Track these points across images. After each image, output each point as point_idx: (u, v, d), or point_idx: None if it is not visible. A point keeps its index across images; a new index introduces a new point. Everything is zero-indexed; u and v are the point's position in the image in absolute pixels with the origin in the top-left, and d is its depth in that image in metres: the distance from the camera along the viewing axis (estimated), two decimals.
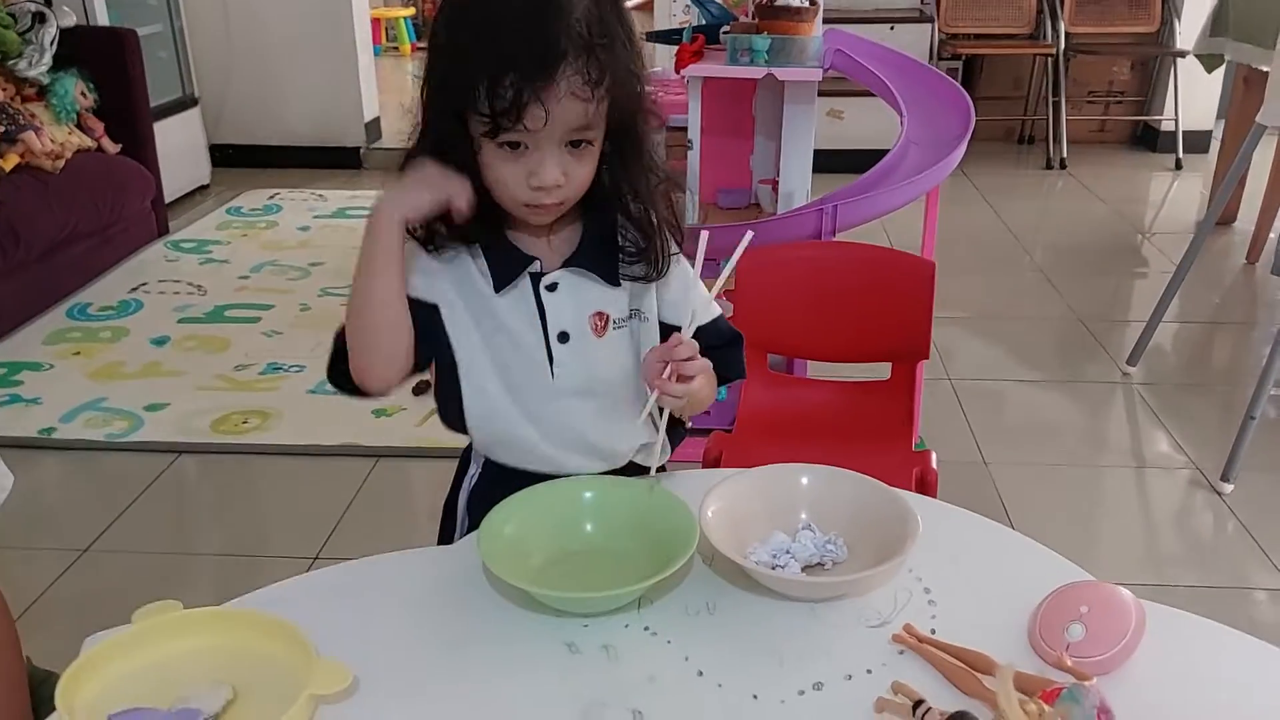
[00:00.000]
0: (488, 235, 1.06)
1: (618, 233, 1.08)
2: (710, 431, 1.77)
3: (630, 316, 1.11)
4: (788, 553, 0.98)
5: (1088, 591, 0.91)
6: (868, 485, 1.03)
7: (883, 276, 1.81)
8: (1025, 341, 3.10)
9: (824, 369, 2.08)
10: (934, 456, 1.68)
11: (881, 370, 1.85)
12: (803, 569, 0.97)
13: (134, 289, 3.37)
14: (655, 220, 1.07)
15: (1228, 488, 2.28)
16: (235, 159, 4.77)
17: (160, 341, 2.98)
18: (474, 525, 1.09)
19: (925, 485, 1.63)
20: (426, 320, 1.05)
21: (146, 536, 2.15)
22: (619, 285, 1.08)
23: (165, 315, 3.17)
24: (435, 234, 1.04)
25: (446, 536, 1.21)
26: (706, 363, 1.03)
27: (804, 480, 1.05)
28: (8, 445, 2.46)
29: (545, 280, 1.07)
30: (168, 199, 4.00)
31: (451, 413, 1.14)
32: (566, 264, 1.07)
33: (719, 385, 1.16)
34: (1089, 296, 3.39)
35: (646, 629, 0.92)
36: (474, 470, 1.18)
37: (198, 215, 4.15)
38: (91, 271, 3.42)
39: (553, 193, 0.99)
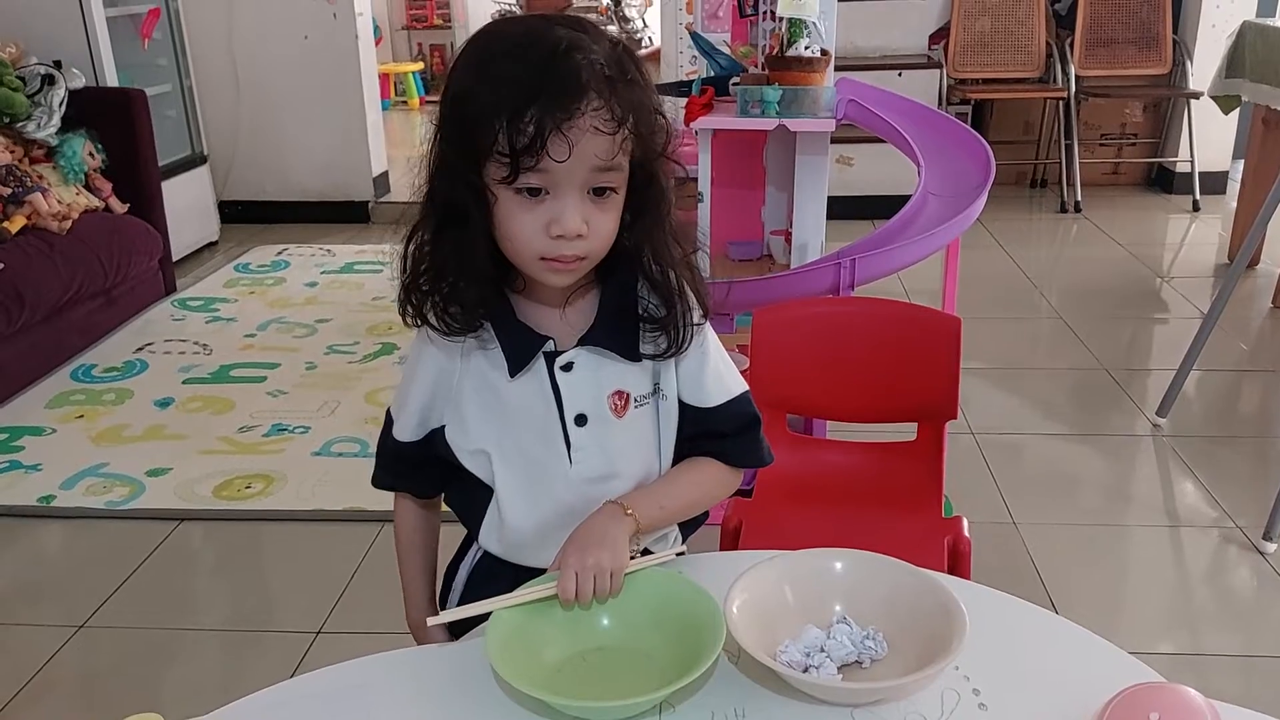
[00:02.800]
0: (500, 313, 0.99)
1: (637, 301, 1.01)
2: (730, 498, 1.70)
3: (653, 393, 1.04)
4: (822, 650, 0.90)
5: (1157, 696, 0.82)
6: (907, 573, 0.95)
7: (906, 333, 1.74)
8: (1048, 391, 3.02)
9: (844, 428, 2.00)
10: (965, 523, 1.60)
11: (905, 430, 1.77)
12: (839, 668, 0.89)
13: (139, 349, 3.32)
14: (677, 284, 1.01)
15: (1270, 547, 2.19)
16: (244, 215, 4.76)
17: (164, 403, 2.93)
18: (471, 598, 1.01)
19: (958, 555, 1.54)
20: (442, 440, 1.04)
21: (146, 610, 2.08)
22: (639, 360, 1.02)
23: (170, 376, 3.12)
24: (449, 317, 0.98)
25: (442, 600, 1.16)
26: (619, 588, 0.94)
27: (838, 566, 0.97)
28: (6, 515, 2.40)
29: (560, 360, 1.00)
30: (176, 256, 3.99)
31: (459, 504, 1.08)
32: (583, 341, 1.00)
33: (739, 467, 1.09)
34: (1110, 343, 3.31)
35: None
36: (478, 550, 1.11)
37: (206, 272, 4.12)
38: (97, 332, 3.38)
39: (575, 244, 0.92)
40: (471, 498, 1.05)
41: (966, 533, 1.58)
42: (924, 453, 1.76)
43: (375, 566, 2.19)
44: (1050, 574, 2.13)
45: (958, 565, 1.54)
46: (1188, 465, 2.56)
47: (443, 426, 1.03)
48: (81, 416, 2.86)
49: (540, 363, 1.00)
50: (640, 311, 1.01)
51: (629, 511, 0.97)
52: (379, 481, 1.11)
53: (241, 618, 2.07)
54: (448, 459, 1.04)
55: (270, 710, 0.90)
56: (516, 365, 0.99)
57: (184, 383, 3.07)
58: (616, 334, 1.01)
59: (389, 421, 1.07)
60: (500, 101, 0.87)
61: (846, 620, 0.93)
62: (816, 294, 1.97)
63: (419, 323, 0.99)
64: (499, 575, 1.04)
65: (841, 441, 1.87)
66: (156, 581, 2.17)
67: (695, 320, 1.03)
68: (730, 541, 1.61)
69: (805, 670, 0.89)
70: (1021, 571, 2.13)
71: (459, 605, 1.10)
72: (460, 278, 0.96)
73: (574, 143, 0.87)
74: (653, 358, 1.02)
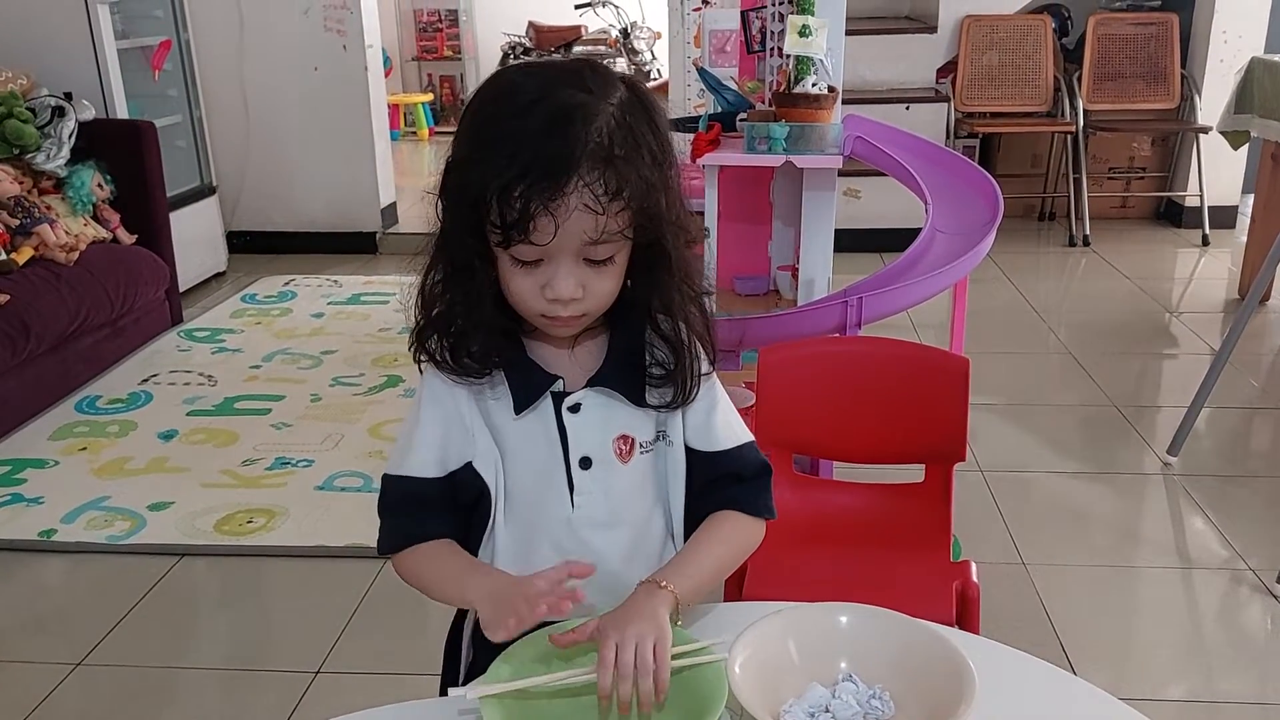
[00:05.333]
0: (509, 351, 0.98)
1: (645, 350, 1.00)
2: None
3: (657, 439, 1.03)
4: (827, 710, 0.88)
5: None
6: (915, 630, 0.93)
7: (913, 374, 1.72)
8: (1057, 428, 2.99)
9: (851, 469, 1.98)
10: (974, 568, 1.58)
11: (913, 471, 1.75)
12: None
13: (144, 380, 3.32)
14: (686, 337, 0.99)
15: None
16: (252, 245, 4.77)
17: (168, 436, 2.92)
18: (479, 665, 0.99)
19: (967, 601, 1.52)
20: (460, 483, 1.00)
21: (144, 647, 2.05)
22: (645, 405, 1.00)
23: (174, 408, 3.11)
24: (459, 357, 0.97)
25: (450, 676, 1.12)
26: (664, 675, 0.85)
27: (843, 620, 0.95)
28: (6, 549, 2.39)
29: (568, 401, 0.99)
30: (184, 286, 3.99)
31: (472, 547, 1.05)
32: (591, 383, 0.99)
33: (757, 516, 1.05)
34: (1119, 379, 3.28)
35: None
36: None
37: (213, 303, 4.13)
38: (102, 363, 3.37)
39: (569, 306, 0.92)
40: (467, 543, 1.03)
41: (975, 578, 1.55)
42: (932, 495, 1.73)
43: (376, 604, 2.16)
44: (1060, 616, 2.09)
45: (966, 611, 1.51)
46: (1199, 504, 2.52)
47: (466, 464, 0.99)
48: (85, 449, 2.85)
49: (547, 403, 0.98)
50: (647, 359, 1.00)
51: (664, 585, 0.92)
52: (390, 542, 1.01)
53: (240, 656, 2.05)
54: (465, 500, 1.01)
55: None
56: (523, 403, 0.98)
57: (188, 415, 3.06)
58: (625, 377, 0.99)
59: (390, 480, 1.01)
60: (490, 175, 0.86)
61: (852, 678, 0.91)
62: (823, 332, 1.95)
63: (432, 363, 0.98)
64: None
65: (848, 483, 1.85)
66: (156, 618, 2.15)
67: (703, 370, 1.02)
68: (734, 585, 1.58)
69: None
70: (1031, 613, 2.10)
71: (468, 661, 1.07)
72: (469, 324, 0.96)
73: (561, 221, 0.86)
74: (658, 408, 1.00)
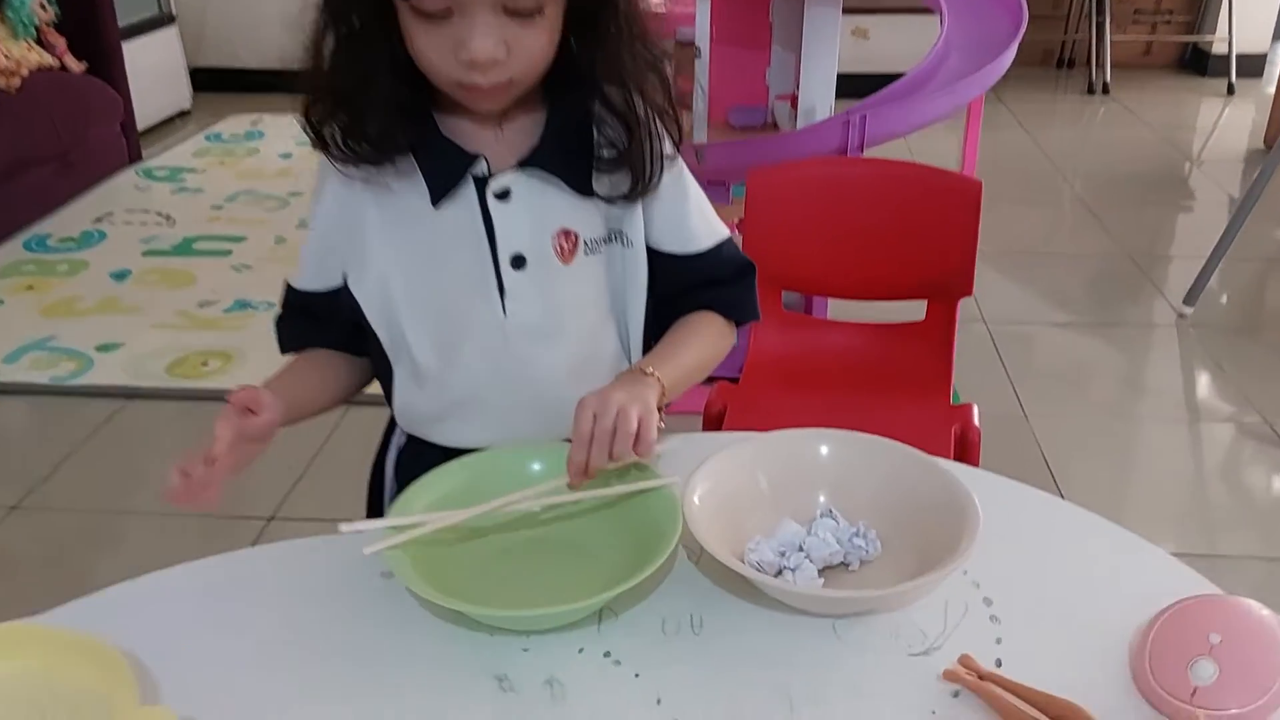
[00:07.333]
0: (419, 131, 0.80)
1: (593, 126, 0.82)
2: (713, 381, 1.52)
3: (609, 239, 0.85)
4: (801, 549, 0.73)
5: (1217, 612, 0.66)
6: (906, 457, 0.78)
7: (919, 197, 1.54)
8: (1068, 279, 2.83)
9: (847, 308, 1.81)
10: (976, 411, 1.43)
11: (913, 310, 1.59)
12: (820, 572, 0.73)
13: (98, 219, 3.12)
14: (643, 112, 0.81)
15: None
16: (219, 83, 4.48)
17: (120, 276, 2.74)
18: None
19: (967, 445, 1.38)
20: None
21: (87, 491, 1.93)
22: (591, 196, 0.83)
23: (129, 247, 2.93)
24: (354, 141, 0.78)
25: (375, 508, 0.98)
26: (650, 436, 0.72)
27: (823, 450, 0.80)
28: None
29: (494, 185, 0.81)
30: (144, 125, 3.75)
31: (380, 371, 0.90)
32: (523, 164, 0.81)
33: (737, 320, 0.90)
34: (1135, 230, 3.10)
35: (607, 655, 0.68)
36: (401, 437, 0.94)
37: (175, 141, 3.89)
38: (54, 201, 3.17)
39: (490, 71, 0.73)
40: (383, 360, 0.88)
41: (977, 421, 1.41)
42: (933, 334, 1.57)
43: (337, 451, 2.03)
44: (1061, 468, 1.97)
45: (966, 457, 1.38)
46: (1215, 359, 2.38)
47: (344, 284, 0.85)
48: (31, 288, 2.67)
49: (469, 189, 0.81)
50: (595, 138, 0.82)
51: (650, 371, 0.78)
52: (284, 344, 0.92)
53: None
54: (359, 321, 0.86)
55: (126, 606, 0.74)
56: (440, 191, 0.80)
57: (144, 254, 2.88)
58: (566, 160, 0.82)
59: (286, 288, 0.90)
60: None
61: (832, 514, 0.76)
62: (822, 155, 1.75)
63: (323, 149, 0.80)
64: (429, 459, 0.87)
65: (842, 322, 1.69)
66: (100, 462, 2.02)
67: (666, 152, 0.84)
68: (712, 429, 1.44)
69: (779, 573, 0.72)
70: (1031, 465, 1.98)
71: (392, 494, 0.94)
72: (366, 101, 0.77)
73: None
74: (611, 199, 0.83)
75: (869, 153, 1.79)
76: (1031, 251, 2.99)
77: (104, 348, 2.37)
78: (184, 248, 2.93)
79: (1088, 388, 2.29)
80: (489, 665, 0.67)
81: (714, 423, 1.43)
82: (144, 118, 3.75)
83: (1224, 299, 2.68)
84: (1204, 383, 2.32)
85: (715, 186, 2.03)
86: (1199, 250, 2.63)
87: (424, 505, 0.74)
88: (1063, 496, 1.87)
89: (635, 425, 0.71)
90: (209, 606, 0.74)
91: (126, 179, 3.45)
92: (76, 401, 2.20)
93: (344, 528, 0.72)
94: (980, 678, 0.64)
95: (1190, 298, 2.55)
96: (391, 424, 0.95)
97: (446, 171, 0.80)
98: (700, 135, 1.95)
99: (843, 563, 0.74)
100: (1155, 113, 4.23)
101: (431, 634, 0.69)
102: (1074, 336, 2.53)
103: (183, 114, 4.21)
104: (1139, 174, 3.60)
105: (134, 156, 3.59)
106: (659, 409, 0.74)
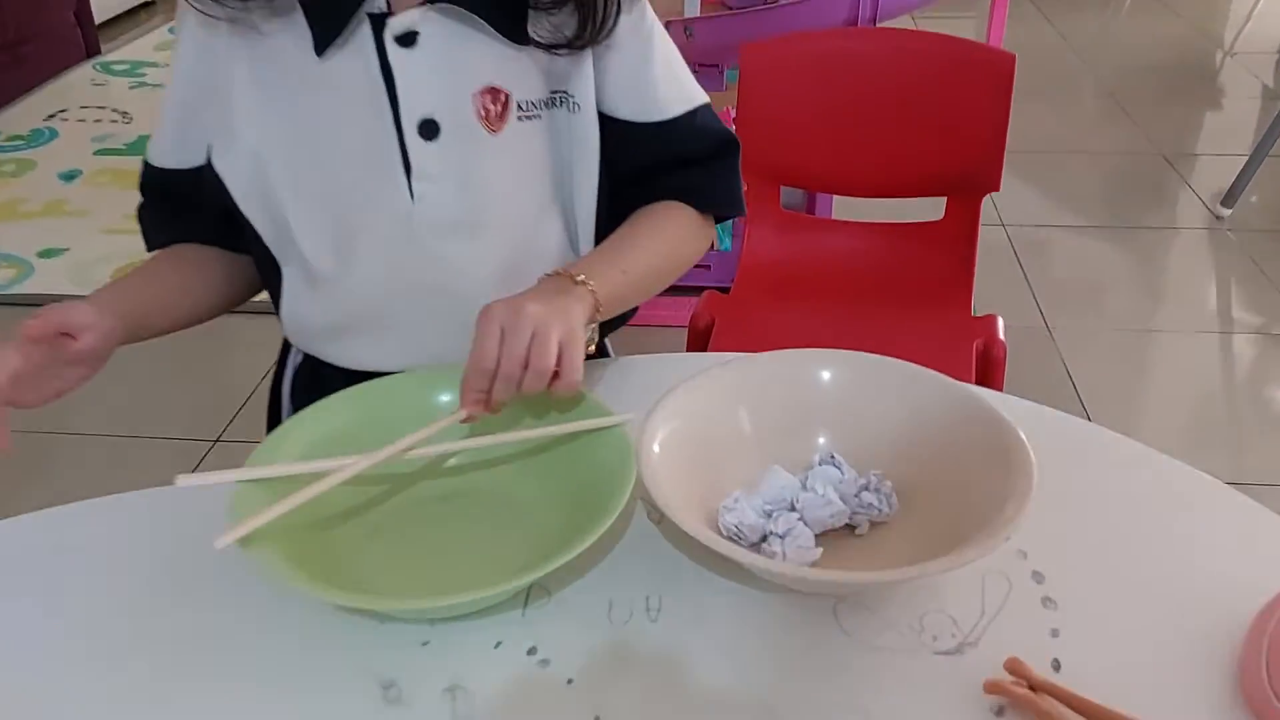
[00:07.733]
0: None
1: None
2: (701, 290, 1.34)
3: (550, 102, 0.66)
4: (793, 509, 0.56)
5: None
6: (934, 385, 0.60)
7: (940, 74, 1.33)
8: (1095, 180, 2.62)
9: (855, 206, 1.61)
10: (1000, 324, 1.25)
11: (929, 208, 1.39)
12: (818, 539, 0.55)
13: (50, 116, 2.91)
14: None
15: None
16: None
17: (70, 176, 2.55)
18: None
19: (990, 363, 1.20)
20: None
21: (21, 410, 1.77)
22: (525, 45, 0.63)
23: (81, 146, 2.73)
24: None
25: (271, 423, 0.83)
26: (573, 368, 0.55)
27: (824, 375, 0.62)
28: None
29: (395, 26, 0.62)
30: (103, 16, 3.52)
31: (266, 272, 0.73)
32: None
33: (714, 213, 0.72)
34: (1166, 126, 2.88)
35: (533, 653, 0.51)
36: (297, 356, 0.77)
37: (137, 35, 3.65)
38: (2, 97, 2.95)
39: None
40: (267, 259, 0.70)
41: (1001, 335, 1.23)
42: (953, 236, 1.38)
43: None
44: (1089, 391, 1.80)
45: (989, 376, 1.20)
46: (1257, 264, 2.18)
47: (207, 160, 0.68)
48: None
49: (364, 32, 0.62)
50: None
51: (580, 279, 0.60)
52: (149, 238, 0.77)
53: (130, 423, 1.77)
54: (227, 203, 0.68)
55: None
56: (325, 35, 0.61)
57: (96, 154, 2.69)
58: None
59: (143, 165, 0.75)
60: None
61: (834, 460, 0.58)
62: (828, 28, 1.53)
63: None
64: (330, 383, 0.69)
65: (849, 222, 1.49)
66: None
67: None
68: (698, 348, 1.26)
69: (763, 540, 0.55)
70: (1056, 385, 1.81)
71: (260, 445, 0.77)
72: None
73: None
74: (553, 48, 0.63)
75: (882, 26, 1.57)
76: (1056, 149, 2.77)
77: (46, 253, 2.20)
78: (139, 146, 2.72)
79: (1119, 298, 2.10)
80: (373, 665, 0.50)
81: (699, 340, 1.25)
82: (104, 9, 3.50)
83: (1264, 201, 2.47)
84: (1245, 292, 2.13)
85: (707, 70, 1.81)
86: (1233, 148, 2.43)
87: (295, 451, 0.57)
88: (1088, 416, 1.71)
89: (553, 354, 0.53)
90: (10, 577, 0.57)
91: (83, 74, 3.23)
92: (15, 311, 2.03)
93: (181, 480, 0.54)
94: (1033, 689, 0.47)
95: (1229, 199, 2.35)
96: (286, 346, 0.78)
97: (333, 7, 0.61)
98: (691, 9, 1.73)
99: (848, 525, 0.57)
100: (1186, 1, 3.95)
101: (299, 621, 0.53)
102: (1099, 241, 2.33)
103: (147, 5, 3.95)
104: (1169, 66, 3.38)
105: (91, 51, 3.35)
106: (590, 329, 0.57)
